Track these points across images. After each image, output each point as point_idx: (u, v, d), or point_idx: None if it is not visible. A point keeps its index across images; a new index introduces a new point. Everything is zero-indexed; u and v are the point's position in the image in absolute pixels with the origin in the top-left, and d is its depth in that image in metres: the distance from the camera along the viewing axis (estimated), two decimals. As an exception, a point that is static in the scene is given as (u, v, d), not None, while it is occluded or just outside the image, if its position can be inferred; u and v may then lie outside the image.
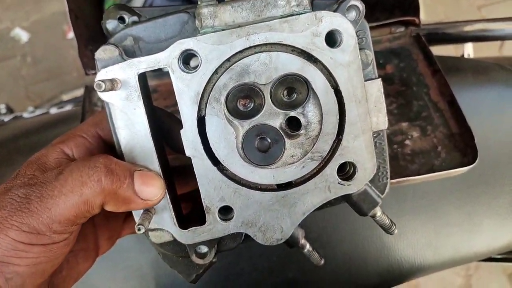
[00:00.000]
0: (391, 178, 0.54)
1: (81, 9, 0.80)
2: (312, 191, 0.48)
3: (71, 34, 2.83)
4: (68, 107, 1.19)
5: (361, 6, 0.47)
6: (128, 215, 0.59)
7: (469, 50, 1.35)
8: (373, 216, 0.52)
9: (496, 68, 0.92)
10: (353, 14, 0.47)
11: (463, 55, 1.18)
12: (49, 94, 2.52)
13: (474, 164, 0.73)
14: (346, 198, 0.50)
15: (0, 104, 1.51)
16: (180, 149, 0.50)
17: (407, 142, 0.76)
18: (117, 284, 0.79)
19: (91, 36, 0.83)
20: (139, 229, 0.42)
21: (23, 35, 2.88)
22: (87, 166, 0.42)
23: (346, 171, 0.50)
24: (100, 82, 0.41)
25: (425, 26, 0.93)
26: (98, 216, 0.54)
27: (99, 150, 0.50)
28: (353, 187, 0.49)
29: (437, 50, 0.89)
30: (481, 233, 0.84)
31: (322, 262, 0.57)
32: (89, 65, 0.79)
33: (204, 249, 0.49)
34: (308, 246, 0.56)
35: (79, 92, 1.62)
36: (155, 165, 0.46)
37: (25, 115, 1.20)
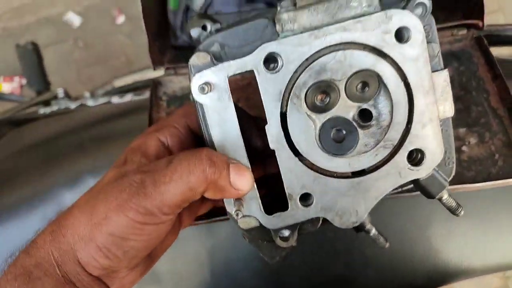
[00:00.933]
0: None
1: (149, 8, 0.84)
2: (385, 177, 0.52)
3: (120, 19, 2.90)
4: (128, 97, 1.26)
5: (428, 2, 0.50)
6: (204, 197, 0.65)
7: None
8: (440, 199, 0.56)
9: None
10: (419, 10, 0.50)
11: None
12: (99, 78, 2.62)
13: None
14: (414, 182, 0.54)
15: (58, 88, 1.59)
16: (251, 146, 0.53)
17: (464, 148, 0.75)
18: (177, 267, 0.85)
19: (157, 31, 0.88)
20: (237, 214, 0.48)
21: (75, 20, 2.98)
22: (194, 157, 0.47)
23: (414, 157, 0.53)
24: (204, 85, 0.47)
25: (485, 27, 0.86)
26: None
27: (188, 139, 0.56)
28: (422, 172, 0.53)
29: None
30: None
31: (387, 245, 0.60)
32: (156, 61, 0.81)
33: (286, 233, 0.54)
34: (374, 230, 0.59)
35: (130, 79, 1.70)
36: (244, 159, 0.51)
37: (89, 103, 1.28)
